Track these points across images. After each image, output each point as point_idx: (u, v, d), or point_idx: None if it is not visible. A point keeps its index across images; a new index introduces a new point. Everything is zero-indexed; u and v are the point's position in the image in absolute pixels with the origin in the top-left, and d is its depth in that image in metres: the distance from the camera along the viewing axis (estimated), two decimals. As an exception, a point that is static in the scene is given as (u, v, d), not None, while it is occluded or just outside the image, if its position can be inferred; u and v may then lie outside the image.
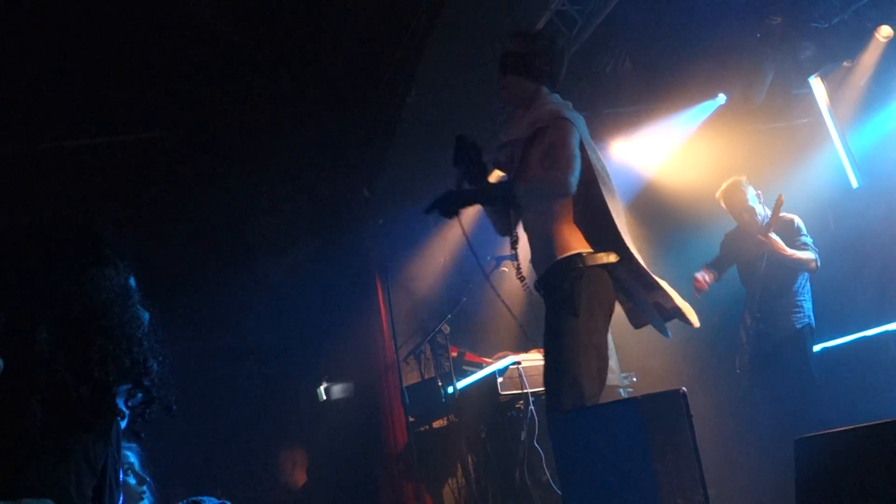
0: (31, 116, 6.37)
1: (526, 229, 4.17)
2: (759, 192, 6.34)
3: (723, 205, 6.44)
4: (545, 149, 3.92)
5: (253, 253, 7.94)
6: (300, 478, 7.49)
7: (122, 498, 2.34)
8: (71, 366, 1.64)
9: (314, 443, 7.70)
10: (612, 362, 6.41)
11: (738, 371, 6.36)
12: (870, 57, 7.27)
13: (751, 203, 6.27)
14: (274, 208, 7.87)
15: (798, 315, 6.04)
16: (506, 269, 6.77)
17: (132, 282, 1.82)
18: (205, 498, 2.03)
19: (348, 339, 8.07)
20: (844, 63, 7.40)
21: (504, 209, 4.27)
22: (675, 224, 8.00)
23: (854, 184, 7.39)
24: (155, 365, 1.80)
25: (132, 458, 2.53)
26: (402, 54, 6.16)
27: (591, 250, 3.89)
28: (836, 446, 3.42)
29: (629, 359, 7.00)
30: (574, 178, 3.80)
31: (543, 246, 4.01)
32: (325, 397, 8.31)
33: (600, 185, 3.96)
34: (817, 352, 6.17)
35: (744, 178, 6.37)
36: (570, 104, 4.15)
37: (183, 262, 7.67)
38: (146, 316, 1.92)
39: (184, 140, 7.12)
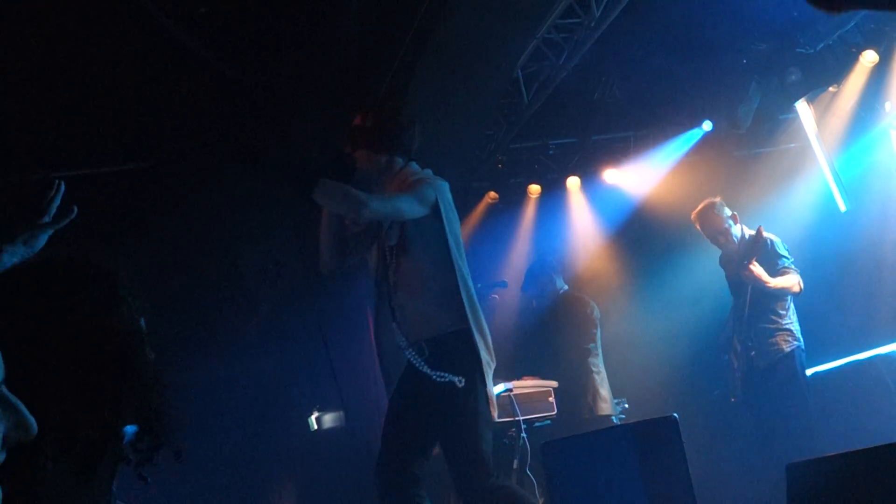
0: (22, 147, 6.37)
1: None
2: (735, 213, 6.22)
3: (697, 227, 6.32)
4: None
5: (244, 280, 7.92)
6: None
7: None
8: (81, 407, 1.63)
9: (306, 475, 7.65)
10: (605, 391, 6.40)
11: (732, 400, 6.29)
12: (855, 81, 7.34)
13: (726, 224, 6.16)
14: (265, 236, 7.86)
15: (787, 338, 5.99)
16: (496, 297, 6.77)
17: (143, 323, 1.81)
18: None
19: (340, 364, 8.03)
20: (830, 88, 7.46)
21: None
22: (663, 250, 8.01)
23: (842, 207, 7.43)
24: (165, 408, 1.79)
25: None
26: (390, 82, 6.19)
27: None
28: (827, 471, 3.42)
29: (620, 384, 6.98)
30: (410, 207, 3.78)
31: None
32: (316, 427, 8.27)
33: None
34: (809, 376, 6.13)
35: (718, 200, 6.25)
36: (432, 172, 4.07)
37: (173, 289, 7.65)
38: (152, 357, 1.93)
39: (170, 171, 7.11)
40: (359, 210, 3.66)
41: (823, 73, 7.32)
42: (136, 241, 7.32)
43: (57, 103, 6.11)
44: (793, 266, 6.03)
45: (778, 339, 5.97)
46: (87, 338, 1.63)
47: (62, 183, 2.57)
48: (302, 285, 8.05)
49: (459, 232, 4.00)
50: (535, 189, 8.53)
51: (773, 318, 6.00)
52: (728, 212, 6.21)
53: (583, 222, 8.64)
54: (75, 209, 2.55)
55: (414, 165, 4.06)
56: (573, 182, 8.48)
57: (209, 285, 7.71)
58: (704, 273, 6.75)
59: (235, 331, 8.08)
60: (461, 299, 3.80)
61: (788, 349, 5.94)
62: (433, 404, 3.79)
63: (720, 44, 6.87)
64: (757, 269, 5.86)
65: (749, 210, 6.55)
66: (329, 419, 8.28)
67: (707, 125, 7.76)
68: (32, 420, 1.28)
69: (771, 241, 6.08)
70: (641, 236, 8.29)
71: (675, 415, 3.27)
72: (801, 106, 7.54)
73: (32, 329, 1.61)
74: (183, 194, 7.33)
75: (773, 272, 5.94)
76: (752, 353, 6.02)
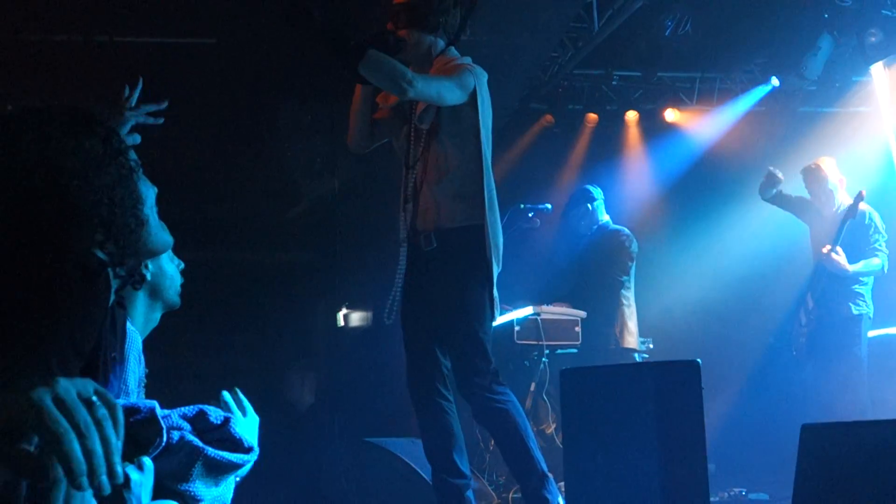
0: (83, 6, 6.39)
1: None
2: (844, 178, 6.19)
3: (803, 181, 6.27)
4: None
5: (291, 173, 7.96)
6: (307, 398, 7.59)
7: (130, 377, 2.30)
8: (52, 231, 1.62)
9: (327, 366, 7.78)
10: (633, 325, 6.40)
11: (794, 353, 6.33)
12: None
13: (830, 187, 6.13)
14: (315, 133, 7.88)
15: (859, 302, 5.98)
16: (538, 220, 6.74)
17: (133, 155, 1.78)
18: (210, 408, 1.99)
19: (374, 269, 8.10)
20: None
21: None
22: (716, 199, 7.94)
23: (901, 178, 7.31)
24: (133, 229, 1.77)
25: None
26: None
27: None
28: (841, 438, 3.43)
29: (649, 324, 7.00)
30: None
31: None
32: (343, 323, 8.39)
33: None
34: (872, 338, 6.08)
35: (832, 160, 6.22)
36: (471, 59, 3.86)
37: (223, 173, 7.72)
38: (151, 191, 1.88)
39: (235, 49, 7.10)
40: (405, 87, 3.48)
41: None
42: (187, 120, 7.36)
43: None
44: (883, 246, 6.02)
45: (849, 301, 5.98)
46: (38, 164, 1.62)
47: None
48: (347, 182, 8.10)
49: (491, 125, 3.82)
50: (592, 118, 8.44)
51: (849, 282, 5.99)
52: (838, 174, 6.15)
53: (636, 159, 8.56)
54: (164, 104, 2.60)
55: (454, 50, 3.90)
56: (632, 116, 8.38)
57: (254, 177, 7.76)
58: (757, 229, 6.68)
59: (276, 221, 8.15)
60: (483, 194, 3.69)
61: (856, 312, 5.95)
62: (439, 301, 3.76)
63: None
64: (838, 258, 5.88)
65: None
66: (356, 318, 8.39)
67: (775, 81, 7.61)
68: None
69: (868, 214, 6.05)
70: (694, 182, 8.20)
71: (699, 360, 3.27)
72: (877, 69, 7.33)
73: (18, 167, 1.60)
74: (240, 78, 7.33)
75: (865, 248, 5.97)
76: (822, 310, 6.05)
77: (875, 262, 5.99)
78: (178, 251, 2.44)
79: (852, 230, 5.95)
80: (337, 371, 7.88)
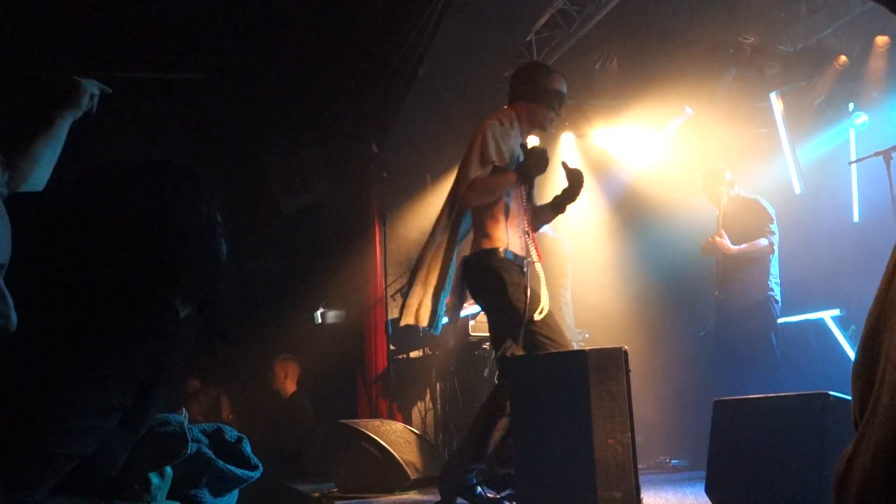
0: (78, 46, 6.33)
1: None
2: (732, 179, 6.19)
3: (699, 185, 6.30)
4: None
5: (271, 189, 7.96)
6: (290, 387, 7.59)
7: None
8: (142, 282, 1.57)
9: (306, 359, 7.79)
10: (569, 319, 6.46)
11: (701, 333, 6.36)
12: (826, 81, 7.29)
13: (721, 187, 6.11)
14: (293, 152, 7.89)
15: (760, 287, 5.93)
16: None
17: (220, 218, 1.77)
18: (227, 427, 2.04)
19: (346, 272, 8.14)
20: (803, 83, 7.42)
21: None
22: (647, 207, 7.95)
23: (797, 190, 7.45)
24: (221, 297, 1.75)
25: None
26: (418, 33, 6.15)
27: None
28: (749, 411, 3.52)
29: (586, 317, 7.07)
30: None
31: None
32: (320, 321, 8.41)
33: None
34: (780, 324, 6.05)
35: (720, 164, 6.26)
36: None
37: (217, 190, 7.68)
38: (225, 250, 1.80)
39: (215, 82, 7.09)
40: None
41: (799, 69, 7.28)
42: (177, 148, 7.34)
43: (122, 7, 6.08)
44: (771, 228, 5.97)
45: (751, 288, 5.94)
46: (157, 223, 1.59)
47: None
48: (322, 199, 8.12)
49: None
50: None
51: (748, 269, 5.97)
52: (728, 176, 6.18)
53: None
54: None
55: None
56: (567, 137, 8.44)
57: (240, 192, 7.76)
58: (683, 239, 6.77)
59: (259, 232, 8.14)
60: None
61: (759, 297, 5.92)
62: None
63: (713, 32, 6.83)
64: (719, 241, 5.91)
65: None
66: (332, 315, 8.40)
67: (688, 111, 7.73)
68: (14, 316, 1.25)
69: (757, 202, 6.06)
70: (630, 201, 8.22)
71: (625, 347, 3.33)
72: (774, 97, 7.50)
73: (111, 221, 1.57)
74: (228, 109, 7.33)
75: (759, 232, 5.92)
76: (723, 297, 6.06)
77: (758, 243, 5.92)
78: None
79: (746, 216, 5.95)
80: (316, 362, 7.90)
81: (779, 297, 5.99)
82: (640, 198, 8.06)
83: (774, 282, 5.99)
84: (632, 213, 8.18)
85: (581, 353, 3.41)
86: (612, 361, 3.34)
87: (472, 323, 6.29)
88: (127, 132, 6.69)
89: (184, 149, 7.37)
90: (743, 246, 5.94)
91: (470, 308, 6.23)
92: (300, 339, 8.03)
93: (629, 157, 8.25)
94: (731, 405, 3.63)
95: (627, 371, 3.34)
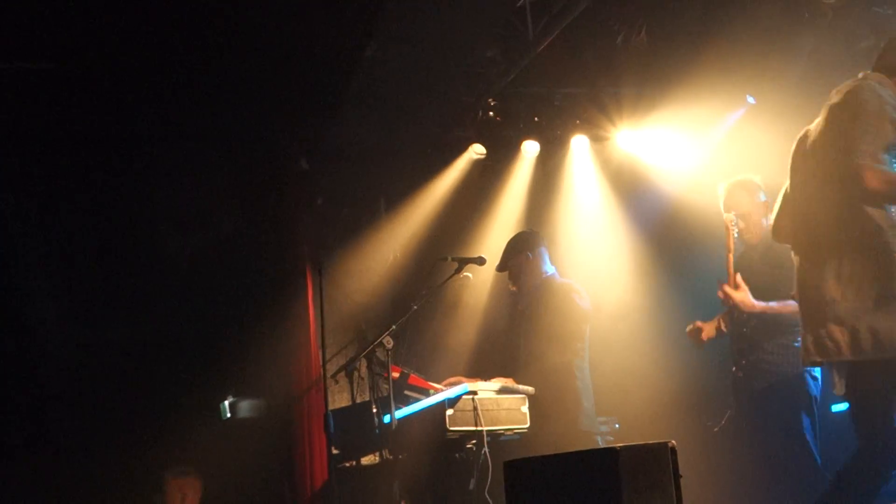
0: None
1: None
2: (766, 199, 6.04)
3: (721, 202, 6.16)
4: None
5: (157, 227, 7.94)
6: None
7: None
8: None
9: (211, 470, 7.70)
10: (587, 403, 6.43)
11: (715, 430, 6.35)
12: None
13: (749, 208, 6.05)
14: (183, 171, 7.85)
15: (793, 360, 5.69)
16: (469, 275, 6.78)
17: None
18: None
19: (265, 344, 8.09)
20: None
21: None
22: (686, 238, 8.01)
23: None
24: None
25: None
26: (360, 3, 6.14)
27: None
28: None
29: (610, 398, 7.06)
30: None
31: None
32: (228, 414, 8.32)
33: None
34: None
35: (756, 178, 6.16)
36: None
37: (70, 231, 7.68)
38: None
39: (79, 72, 7.11)
40: None
41: None
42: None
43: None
44: None
45: (782, 359, 5.88)
46: None
47: None
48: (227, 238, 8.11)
49: None
50: (531, 146, 8.52)
51: (783, 334, 5.88)
52: (762, 196, 6.07)
53: (587, 191, 8.62)
54: None
55: None
56: (580, 142, 8.48)
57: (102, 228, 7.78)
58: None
59: (135, 286, 8.13)
60: None
61: (795, 371, 5.76)
62: None
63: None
64: (735, 294, 5.76)
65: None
66: (245, 407, 8.36)
67: (749, 100, 7.81)
68: None
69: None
70: (663, 222, 8.27)
71: (672, 442, 3.32)
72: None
73: None
74: (87, 100, 7.33)
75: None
76: (750, 370, 5.97)
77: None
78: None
79: (772, 261, 5.90)
80: (225, 474, 7.84)
81: (818, 374, 5.83)
82: (682, 222, 8.09)
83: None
84: (671, 244, 8.22)
85: (610, 452, 3.40)
86: (654, 462, 3.33)
87: (449, 412, 6.24)
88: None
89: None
90: (772, 304, 5.80)
91: (446, 391, 6.20)
92: (201, 443, 7.93)
93: (666, 166, 8.31)
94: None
95: (677, 476, 3.33)
